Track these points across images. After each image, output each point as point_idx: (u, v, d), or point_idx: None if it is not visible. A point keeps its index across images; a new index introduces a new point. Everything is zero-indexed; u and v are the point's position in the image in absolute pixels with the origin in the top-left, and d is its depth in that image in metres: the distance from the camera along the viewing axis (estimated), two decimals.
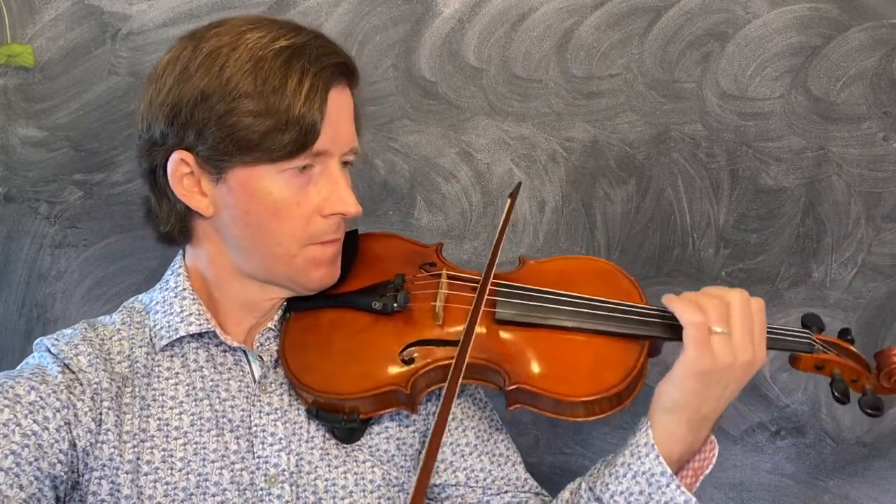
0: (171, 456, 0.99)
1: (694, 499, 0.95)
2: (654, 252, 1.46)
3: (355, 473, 1.03)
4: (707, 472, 1.01)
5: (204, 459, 0.99)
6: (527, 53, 1.43)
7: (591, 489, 1.00)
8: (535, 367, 1.00)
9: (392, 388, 0.99)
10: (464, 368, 0.95)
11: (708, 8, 1.40)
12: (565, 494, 1.05)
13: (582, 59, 1.43)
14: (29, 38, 1.40)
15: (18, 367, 1.01)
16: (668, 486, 0.94)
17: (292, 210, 0.98)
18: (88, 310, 1.47)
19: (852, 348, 1.04)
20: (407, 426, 1.08)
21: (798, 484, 1.47)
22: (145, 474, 0.97)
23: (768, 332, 0.98)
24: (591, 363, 1.00)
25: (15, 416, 0.92)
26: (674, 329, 0.98)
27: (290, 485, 1.00)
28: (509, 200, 1.14)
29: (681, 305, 0.94)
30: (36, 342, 1.04)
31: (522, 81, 1.44)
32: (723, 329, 0.93)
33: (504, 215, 1.11)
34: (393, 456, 1.06)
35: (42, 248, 1.46)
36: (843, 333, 1.06)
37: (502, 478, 1.10)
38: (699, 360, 0.93)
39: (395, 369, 1.00)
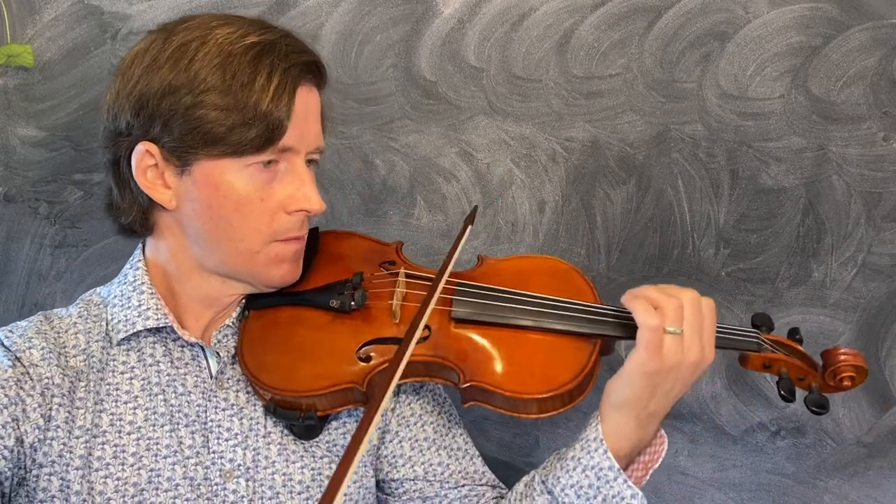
0: (123, 451, 0.99)
1: (640, 493, 0.97)
2: (654, 252, 1.46)
3: (312, 469, 1.04)
4: (657, 465, 1.02)
5: (156, 455, 1.00)
6: (527, 53, 1.43)
7: (543, 482, 1.01)
8: (489, 366, 1.01)
9: (349, 385, 1.00)
10: (405, 360, 0.93)
11: (708, 8, 1.40)
12: (520, 486, 1.06)
13: (582, 59, 1.43)
14: (29, 38, 1.40)
15: None
16: (615, 479, 0.96)
17: (256, 205, 0.99)
18: None
19: (799, 347, 1.06)
20: None
21: (798, 484, 1.47)
22: (96, 470, 0.98)
23: (717, 332, 0.99)
24: (544, 361, 1.01)
25: None
26: (626, 328, 1.00)
27: (247, 480, 1.01)
28: (463, 225, 1.14)
29: (640, 307, 0.95)
30: None
31: (522, 81, 1.44)
32: (675, 329, 0.94)
33: (456, 240, 1.10)
34: None
35: (42, 248, 1.46)
36: (792, 333, 1.07)
37: (460, 471, 1.11)
38: (649, 362, 0.94)
39: (351, 367, 1.01)
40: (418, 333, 0.96)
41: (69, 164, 1.43)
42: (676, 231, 1.45)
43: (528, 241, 1.47)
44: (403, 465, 1.10)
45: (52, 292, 1.47)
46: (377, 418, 0.84)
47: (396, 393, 1.12)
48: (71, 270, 1.46)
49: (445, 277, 1.03)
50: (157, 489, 0.98)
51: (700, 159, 1.44)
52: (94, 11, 1.41)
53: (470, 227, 1.14)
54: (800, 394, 1.03)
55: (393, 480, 1.11)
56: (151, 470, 0.99)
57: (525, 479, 1.06)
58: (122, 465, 0.98)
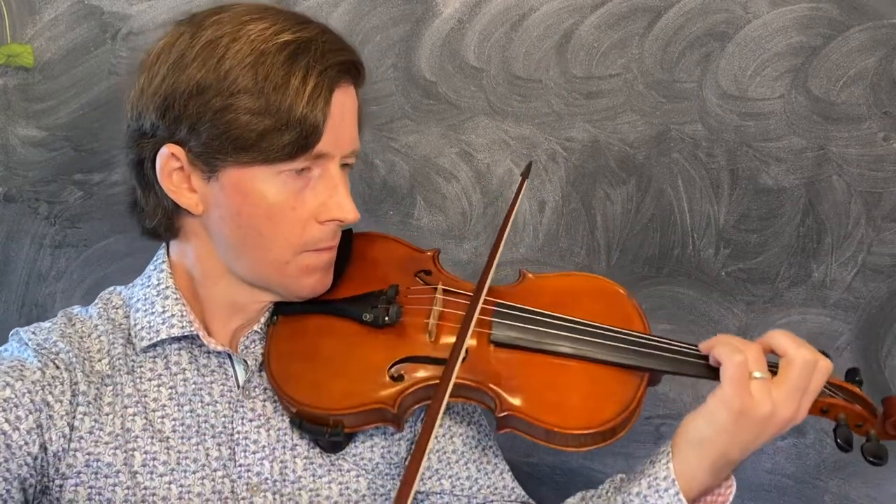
0: (154, 460, 0.96)
1: None
2: (654, 252, 1.46)
3: (340, 483, 1.00)
4: None
5: (185, 470, 0.96)
6: (527, 53, 1.43)
7: None
8: (528, 395, 0.95)
9: (378, 406, 0.95)
10: (450, 388, 0.91)
11: (708, 8, 1.40)
12: None
13: (582, 59, 1.43)
14: (29, 38, 1.40)
15: None
16: None
17: (287, 214, 0.94)
18: None
19: (859, 392, 0.99)
20: (392, 434, 1.04)
21: (798, 484, 1.47)
22: (135, 473, 0.94)
23: None
24: (587, 394, 0.95)
25: None
26: (676, 362, 0.95)
27: (274, 493, 0.97)
28: (521, 179, 1.08)
29: (723, 345, 0.90)
30: (12, 332, 1.00)
31: (522, 81, 1.44)
32: (762, 375, 0.88)
33: (513, 198, 1.04)
34: (378, 465, 1.03)
35: (42, 248, 1.46)
36: (851, 374, 1.01)
37: (489, 486, 1.06)
38: (735, 399, 0.87)
39: (382, 386, 0.96)
40: (459, 362, 0.92)
41: (69, 164, 1.43)
42: (676, 231, 1.45)
43: (528, 241, 1.47)
44: (430, 478, 1.05)
45: (52, 292, 1.47)
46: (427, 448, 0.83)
47: (424, 411, 1.07)
48: (71, 270, 1.46)
49: (484, 294, 0.97)
50: None
51: (700, 159, 1.44)
52: (94, 11, 1.41)
53: (526, 181, 1.07)
54: (856, 440, 0.96)
55: (419, 493, 1.06)
56: (181, 486, 0.95)
57: (571, 501, 1.02)
58: (152, 474, 0.95)
